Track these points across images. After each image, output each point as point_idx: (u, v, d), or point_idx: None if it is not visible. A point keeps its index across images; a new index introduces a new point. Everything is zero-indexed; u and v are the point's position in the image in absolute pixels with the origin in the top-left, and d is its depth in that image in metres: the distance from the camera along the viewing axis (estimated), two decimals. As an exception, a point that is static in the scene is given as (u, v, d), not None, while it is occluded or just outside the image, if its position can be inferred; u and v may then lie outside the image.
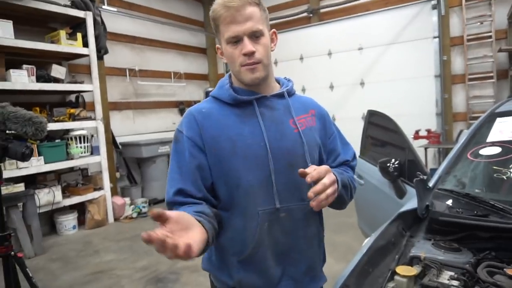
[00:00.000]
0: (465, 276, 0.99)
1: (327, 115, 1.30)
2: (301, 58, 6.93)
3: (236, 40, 1.04)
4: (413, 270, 1.02)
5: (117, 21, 6.03)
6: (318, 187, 0.97)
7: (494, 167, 1.50)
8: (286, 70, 6.81)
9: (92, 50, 4.98)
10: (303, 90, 6.80)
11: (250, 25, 1.03)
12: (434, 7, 5.58)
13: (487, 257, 1.09)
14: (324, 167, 1.01)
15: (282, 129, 1.13)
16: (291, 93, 1.23)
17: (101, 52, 5.26)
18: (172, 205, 1.05)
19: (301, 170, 0.99)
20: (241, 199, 1.09)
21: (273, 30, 1.16)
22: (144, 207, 5.57)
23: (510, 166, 1.46)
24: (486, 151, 1.61)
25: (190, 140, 1.08)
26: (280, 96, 1.19)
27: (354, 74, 6.36)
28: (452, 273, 1.01)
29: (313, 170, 0.98)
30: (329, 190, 0.99)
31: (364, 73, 6.29)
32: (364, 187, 2.52)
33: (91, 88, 5.03)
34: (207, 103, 1.17)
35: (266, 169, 1.09)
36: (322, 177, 0.98)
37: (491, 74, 5.28)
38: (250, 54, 1.04)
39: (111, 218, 5.22)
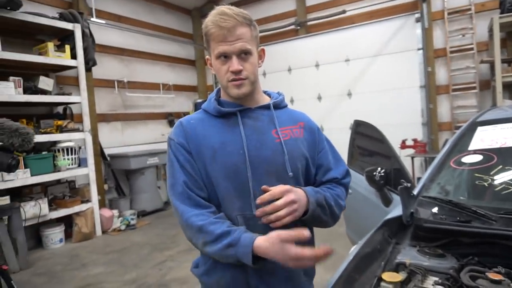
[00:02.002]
0: (449, 281, 1.01)
1: (318, 130, 1.32)
2: (289, 70, 7.02)
3: (225, 57, 1.11)
4: (399, 276, 1.03)
5: (105, 33, 6.04)
6: (268, 208, 1.06)
7: (476, 175, 1.55)
8: (274, 81, 6.89)
9: (80, 62, 4.97)
10: (292, 101, 6.87)
11: (239, 45, 1.10)
12: (417, 20, 5.74)
13: (470, 262, 1.12)
14: (283, 188, 1.08)
15: (263, 138, 1.18)
16: (280, 106, 1.27)
17: (89, 64, 5.24)
18: (184, 196, 1.12)
19: (264, 186, 1.08)
20: (220, 204, 1.16)
21: (262, 47, 1.21)
22: (132, 219, 5.51)
23: (491, 173, 1.50)
24: (468, 159, 1.66)
25: (180, 145, 1.17)
26: (266, 108, 1.23)
27: (342, 85, 6.46)
28: (437, 279, 1.04)
29: (274, 189, 1.07)
30: (282, 212, 1.05)
31: (351, 84, 6.39)
32: (351, 196, 2.54)
33: (79, 99, 5.00)
34: (198, 114, 1.26)
35: (244, 176, 1.13)
36: (275, 198, 1.06)
37: (474, 85, 5.42)
38: (237, 72, 1.11)
39: (99, 231, 5.15)
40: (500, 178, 1.48)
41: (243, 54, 1.11)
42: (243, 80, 1.12)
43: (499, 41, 4.63)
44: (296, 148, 1.21)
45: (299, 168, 1.21)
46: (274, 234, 1.01)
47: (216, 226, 1.06)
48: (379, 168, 1.94)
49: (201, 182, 1.15)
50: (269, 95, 1.31)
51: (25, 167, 4.30)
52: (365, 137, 2.67)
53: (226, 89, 1.17)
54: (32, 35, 4.94)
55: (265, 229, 1.11)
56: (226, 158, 1.14)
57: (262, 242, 1.01)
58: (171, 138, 1.20)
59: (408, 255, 1.20)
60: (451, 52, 5.53)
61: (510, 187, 1.41)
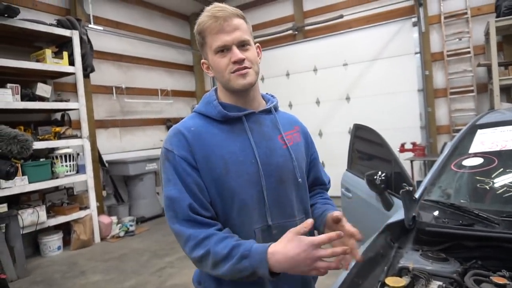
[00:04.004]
0: (453, 285, 1.00)
1: (309, 133, 1.34)
2: (287, 75, 7.03)
3: (224, 49, 1.06)
4: (402, 281, 1.02)
5: (103, 40, 6.04)
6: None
7: (477, 177, 1.54)
8: (272, 86, 6.89)
9: (78, 68, 4.96)
10: (290, 106, 6.88)
11: (238, 35, 1.05)
12: (414, 24, 5.77)
13: (474, 266, 1.11)
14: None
15: (271, 145, 1.13)
16: (276, 109, 1.24)
17: (88, 70, 5.24)
18: (190, 221, 1.00)
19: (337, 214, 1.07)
20: (236, 218, 1.07)
21: (257, 44, 1.18)
22: (131, 225, 5.47)
23: (492, 176, 1.50)
24: (468, 162, 1.66)
25: (183, 159, 1.04)
26: (268, 112, 1.19)
27: (340, 89, 6.47)
28: (440, 283, 1.02)
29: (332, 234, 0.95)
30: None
31: (349, 88, 6.40)
32: (352, 200, 2.54)
33: (77, 106, 4.99)
34: (194, 119, 1.14)
35: (258, 186, 1.08)
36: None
37: (472, 88, 5.44)
38: (240, 61, 1.05)
39: (97, 238, 5.11)
40: (502, 180, 1.47)
41: (242, 46, 1.06)
42: (247, 69, 1.06)
43: (495, 45, 4.66)
44: (300, 153, 1.21)
45: (304, 172, 1.21)
46: (286, 233, 0.95)
47: (224, 244, 0.97)
48: (379, 172, 1.94)
49: (206, 201, 1.04)
50: (263, 97, 1.25)
51: (23, 174, 4.28)
52: (365, 141, 2.67)
53: (228, 83, 1.08)
54: (29, 42, 4.93)
55: (278, 239, 1.06)
56: (239, 168, 1.06)
57: (276, 244, 0.94)
58: (170, 149, 1.06)
59: (411, 259, 1.19)
60: (448, 55, 5.56)
61: (511, 189, 1.41)
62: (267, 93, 1.29)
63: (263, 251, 0.94)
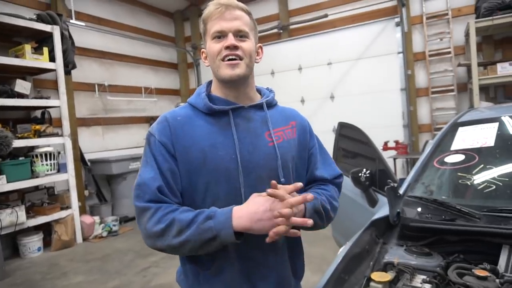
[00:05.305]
0: (436, 279, 1.02)
1: (309, 127, 1.30)
2: (272, 73, 7.04)
3: (221, 36, 1.07)
4: (388, 276, 1.04)
5: (85, 36, 5.92)
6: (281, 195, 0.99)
7: (459, 174, 1.58)
8: (257, 84, 6.88)
9: (59, 64, 4.84)
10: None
11: (237, 24, 1.06)
12: (397, 24, 5.86)
13: (456, 259, 1.13)
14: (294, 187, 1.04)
15: (256, 141, 1.11)
16: (271, 104, 1.22)
17: (69, 67, 5.12)
18: (156, 203, 1.00)
19: (274, 182, 1.01)
20: None
21: (260, 44, 1.18)
22: (114, 225, 5.39)
23: (473, 172, 1.54)
24: (451, 158, 1.69)
25: (163, 145, 1.05)
26: (259, 107, 1.17)
27: (324, 88, 6.52)
28: (425, 277, 1.05)
29: (287, 186, 1.02)
30: (288, 211, 0.98)
31: (333, 87, 6.46)
32: (337, 197, 2.56)
33: (58, 103, 4.88)
34: (184, 109, 1.15)
35: (236, 182, 1.06)
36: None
37: (452, 87, 5.57)
38: (233, 47, 1.05)
39: (79, 238, 5.01)
40: (482, 176, 1.51)
41: (239, 36, 1.07)
42: (238, 61, 1.05)
43: (475, 45, 4.77)
44: (288, 151, 1.17)
45: (290, 171, 1.17)
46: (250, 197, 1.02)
47: (189, 212, 1.00)
48: (364, 169, 1.96)
49: (177, 189, 1.05)
50: (259, 91, 1.24)
51: (1, 174, 4.14)
52: (349, 139, 2.69)
53: (217, 70, 1.08)
54: (8, 37, 4.79)
55: (254, 237, 1.02)
56: (217, 162, 1.05)
57: (240, 205, 1.00)
58: (152, 134, 1.08)
59: (396, 254, 1.20)
60: (430, 55, 5.67)
61: (492, 185, 1.45)
62: (267, 88, 1.28)
63: (228, 210, 0.99)
